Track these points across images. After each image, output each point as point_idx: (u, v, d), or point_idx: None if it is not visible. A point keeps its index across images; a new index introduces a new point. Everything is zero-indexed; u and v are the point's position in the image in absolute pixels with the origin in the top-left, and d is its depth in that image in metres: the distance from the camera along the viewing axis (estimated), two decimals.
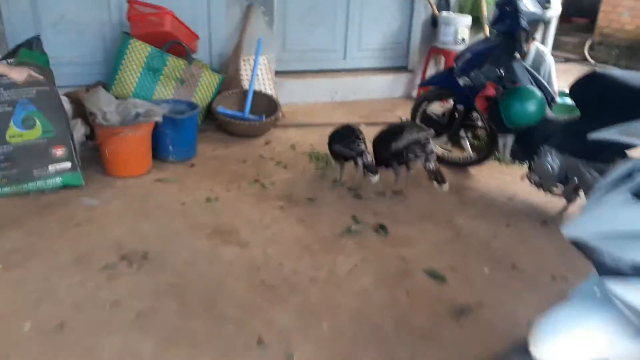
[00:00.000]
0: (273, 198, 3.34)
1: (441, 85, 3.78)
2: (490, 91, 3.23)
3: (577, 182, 3.11)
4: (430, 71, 5.76)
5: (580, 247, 1.44)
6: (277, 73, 5.19)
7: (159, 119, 3.43)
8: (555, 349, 1.44)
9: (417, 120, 4.01)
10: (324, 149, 4.11)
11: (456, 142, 4.03)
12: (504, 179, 3.85)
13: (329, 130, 4.52)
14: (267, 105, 4.55)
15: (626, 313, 1.35)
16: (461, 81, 3.51)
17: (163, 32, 4.01)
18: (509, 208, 3.43)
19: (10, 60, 3.27)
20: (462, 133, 3.88)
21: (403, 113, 5.21)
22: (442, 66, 5.73)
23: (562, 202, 3.28)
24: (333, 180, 3.64)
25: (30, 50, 3.55)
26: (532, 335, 1.48)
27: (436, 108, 4.08)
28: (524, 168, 3.56)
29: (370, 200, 3.42)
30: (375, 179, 3.31)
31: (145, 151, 3.48)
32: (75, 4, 4.16)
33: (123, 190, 3.29)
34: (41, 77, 3.03)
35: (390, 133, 3.40)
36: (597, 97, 2.98)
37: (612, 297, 1.35)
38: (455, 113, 3.83)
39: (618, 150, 2.95)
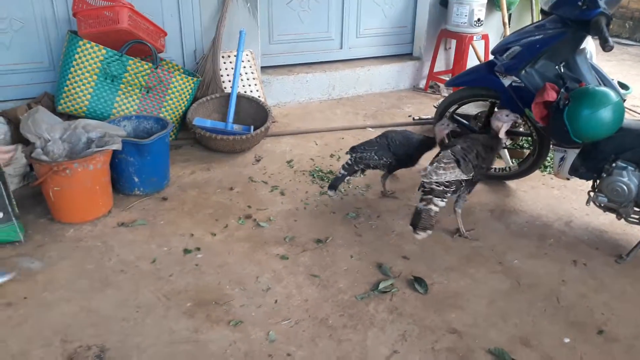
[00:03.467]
0: (271, 242, 2.58)
1: (477, 85, 2.99)
2: (551, 95, 2.46)
3: None
4: (440, 58, 5.00)
5: None
6: (264, 69, 4.39)
7: (117, 146, 2.63)
8: None
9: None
10: (328, 163, 3.39)
11: None
12: (553, 194, 3.13)
13: (329, 138, 3.83)
14: (254, 111, 3.77)
15: None
16: (506, 81, 2.73)
17: (119, 30, 3.18)
18: (570, 238, 2.71)
19: None
20: None
21: (413, 110, 4.47)
22: (453, 52, 4.97)
23: (637, 229, 2.58)
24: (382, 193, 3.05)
25: None
26: None
27: (467, 109, 3.32)
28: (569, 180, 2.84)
29: (395, 236, 2.68)
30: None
31: (102, 188, 2.69)
32: None
33: (74, 244, 2.51)
34: None
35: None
36: None
37: None
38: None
39: None
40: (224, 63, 3.96)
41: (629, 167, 2.46)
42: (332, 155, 3.54)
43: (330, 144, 3.74)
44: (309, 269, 2.39)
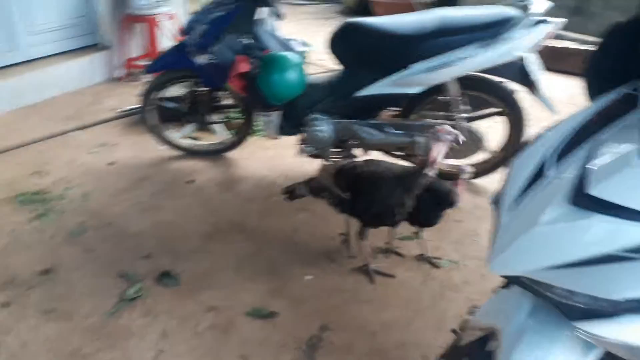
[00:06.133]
0: None
1: (176, 67, 2.99)
2: (244, 66, 2.62)
3: (353, 143, 2.85)
4: (132, 44, 4.81)
5: (520, 282, 1.11)
6: None
7: None
8: None
9: (152, 114, 3.17)
10: (32, 183, 3.01)
11: (204, 127, 3.38)
12: (270, 155, 3.40)
13: (28, 155, 3.34)
14: None
15: (611, 349, 1.07)
16: (201, 59, 2.79)
17: None
18: None
19: None
20: (211, 117, 3.22)
21: (117, 102, 4.23)
22: (143, 36, 4.82)
23: None
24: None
25: None
26: None
27: (173, 91, 3.29)
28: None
29: (132, 238, 2.56)
30: None
31: None
32: None
33: None
34: None
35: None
36: (356, 50, 2.71)
37: (589, 338, 1.04)
38: (197, 95, 3.13)
39: (390, 102, 2.77)
40: None
41: (322, 116, 2.81)
42: (36, 173, 3.12)
43: (30, 160, 3.28)
44: (41, 306, 2.11)
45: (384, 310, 2.12)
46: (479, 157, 2.91)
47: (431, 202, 2.12)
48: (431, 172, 1.99)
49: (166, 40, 4.77)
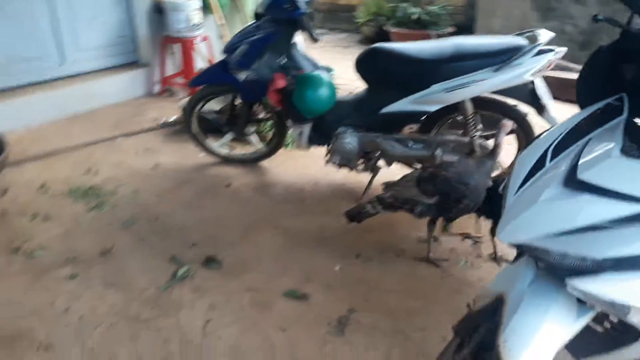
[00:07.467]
0: (54, 267, 2.49)
1: (217, 82, 3.36)
2: (281, 83, 2.98)
3: (377, 155, 3.15)
4: (168, 62, 5.21)
5: (524, 249, 1.40)
6: None
7: None
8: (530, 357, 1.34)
9: (194, 124, 3.52)
10: (85, 180, 3.34)
11: (240, 138, 3.71)
12: (299, 164, 3.71)
13: (79, 157, 3.70)
14: None
15: (595, 305, 1.35)
16: (242, 75, 3.15)
17: None
18: (320, 194, 3.30)
19: None
20: (248, 129, 3.57)
21: (156, 114, 4.58)
22: (178, 56, 5.22)
23: (365, 175, 3.30)
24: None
25: None
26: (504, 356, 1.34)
27: (211, 106, 3.65)
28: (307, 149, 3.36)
29: (177, 231, 2.86)
30: None
31: None
32: None
33: None
34: None
35: None
36: (381, 71, 3.02)
37: (578, 294, 1.30)
38: (236, 108, 3.48)
39: (410, 119, 3.08)
40: None
41: (349, 130, 3.13)
42: (88, 171, 3.46)
43: (81, 161, 3.62)
44: (104, 279, 2.41)
45: (406, 300, 2.37)
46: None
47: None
48: (497, 157, 2.40)
49: (200, 60, 5.16)
